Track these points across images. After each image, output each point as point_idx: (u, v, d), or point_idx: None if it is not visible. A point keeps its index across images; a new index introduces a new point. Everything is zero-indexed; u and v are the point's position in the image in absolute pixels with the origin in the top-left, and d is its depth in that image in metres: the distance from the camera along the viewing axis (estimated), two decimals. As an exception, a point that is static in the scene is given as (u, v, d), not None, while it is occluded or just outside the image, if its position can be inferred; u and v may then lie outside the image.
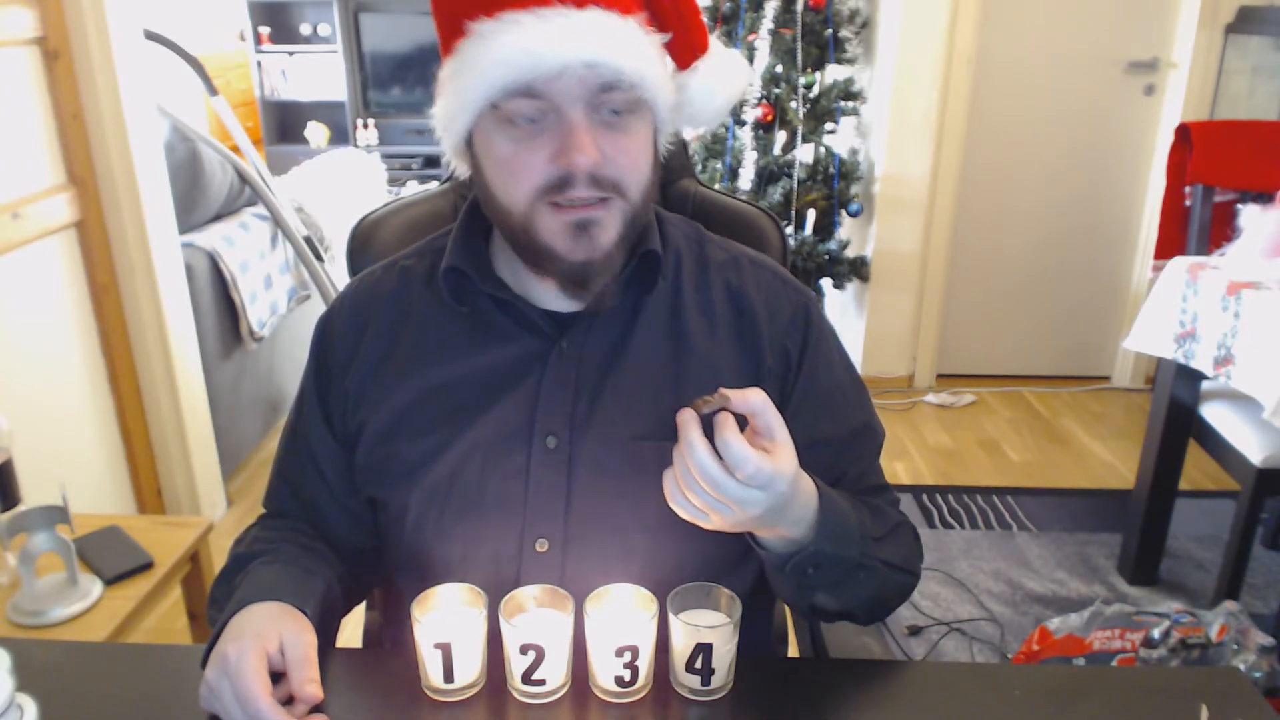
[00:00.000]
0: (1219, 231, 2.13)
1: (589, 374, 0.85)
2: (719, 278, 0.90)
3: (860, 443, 0.92)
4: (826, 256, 3.08)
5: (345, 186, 3.35)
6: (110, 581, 1.42)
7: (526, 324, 0.86)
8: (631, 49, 0.75)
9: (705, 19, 2.97)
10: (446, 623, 0.74)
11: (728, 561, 0.86)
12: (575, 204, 0.77)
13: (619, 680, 0.74)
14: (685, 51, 0.83)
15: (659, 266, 0.86)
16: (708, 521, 0.72)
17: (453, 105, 0.78)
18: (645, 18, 0.78)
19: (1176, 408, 2.05)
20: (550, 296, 0.85)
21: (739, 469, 0.68)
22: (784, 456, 0.71)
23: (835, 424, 0.90)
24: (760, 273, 0.92)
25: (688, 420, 0.70)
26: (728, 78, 0.84)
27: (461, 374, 0.86)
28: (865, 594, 0.83)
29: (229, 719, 0.70)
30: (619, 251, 0.81)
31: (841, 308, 3.49)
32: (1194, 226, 2.20)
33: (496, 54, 0.73)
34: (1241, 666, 1.59)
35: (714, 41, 0.85)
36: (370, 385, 0.88)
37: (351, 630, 0.95)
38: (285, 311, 2.81)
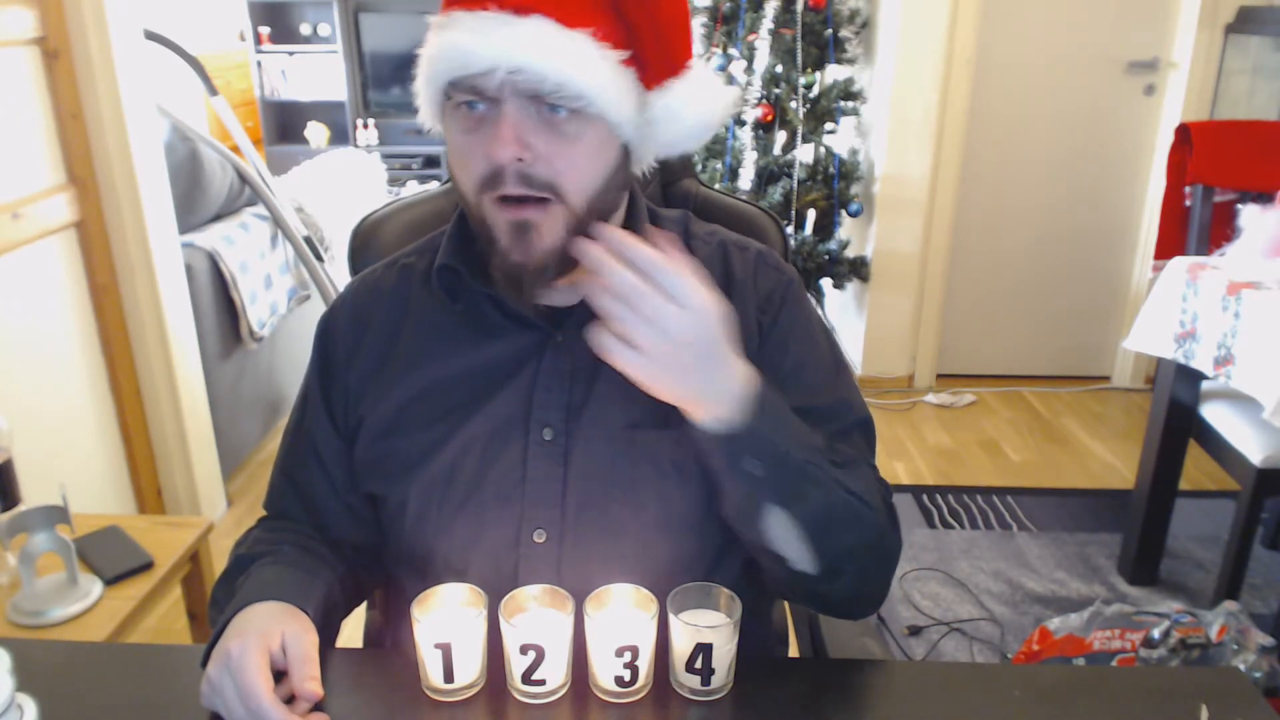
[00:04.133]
0: (1219, 231, 2.13)
1: (584, 365, 0.85)
2: (706, 263, 0.89)
3: (834, 417, 0.88)
4: (826, 256, 3.08)
5: (345, 186, 3.35)
6: (110, 581, 1.42)
7: (520, 319, 0.87)
8: (568, 60, 0.73)
9: (705, 20, 3.00)
10: (446, 623, 0.74)
11: (724, 546, 0.86)
12: (510, 201, 0.77)
13: (619, 680, 0.74)
14: (655, 69, 0.80)
15: None
16: (644, 364, 0.69)
17: (419, 88, 0.82)
18: (603, 31, 0.75)
19: (1176, 408, 2.05)
20: (543, 291, 0.85)
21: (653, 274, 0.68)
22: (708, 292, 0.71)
23: (803, 398, 0.86)
24: (745, 255, 0.93)
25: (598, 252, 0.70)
26: (699, 102, 0.81)
27: (459, 370, 0.87)
28: (819, 512, 0.78)
29: (230, 716, 0.70)
30: (558, 259, 0.79)
31: (841, 308, 3.49)
32: (1194, 226, 2.20)
33: (436, 48, 0.76)
34: (1241, 666, 1.59)
35: (697, 65, 0.82)
36: (371, 381, 0.89)
37: (351, 630, 0.95)
38: (285, 311, 2.81)
